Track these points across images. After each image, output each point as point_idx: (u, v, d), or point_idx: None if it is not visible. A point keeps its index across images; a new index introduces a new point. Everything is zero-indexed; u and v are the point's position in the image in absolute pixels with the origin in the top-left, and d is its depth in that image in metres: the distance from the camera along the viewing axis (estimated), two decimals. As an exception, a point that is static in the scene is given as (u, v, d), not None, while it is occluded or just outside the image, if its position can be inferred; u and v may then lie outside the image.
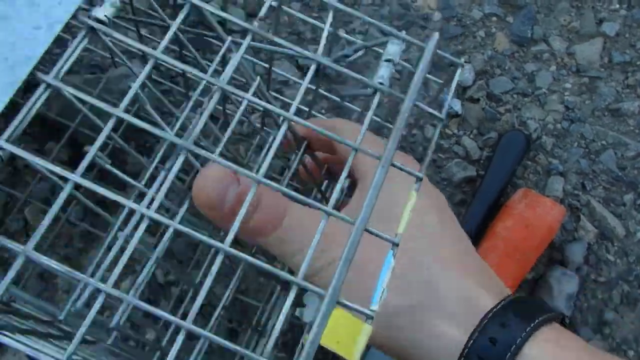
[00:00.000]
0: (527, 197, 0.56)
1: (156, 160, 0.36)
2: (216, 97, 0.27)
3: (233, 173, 0.29)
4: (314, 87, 0.42)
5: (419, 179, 0.28)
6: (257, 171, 0.25)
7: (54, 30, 0.26)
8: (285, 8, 0.38)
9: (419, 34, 0.68)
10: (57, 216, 0.24)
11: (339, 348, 0.22)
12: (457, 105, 0.64)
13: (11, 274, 0.22)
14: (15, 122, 0.25)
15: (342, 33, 0.34)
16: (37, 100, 0.25)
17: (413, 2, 0.69)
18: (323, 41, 0.31)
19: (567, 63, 0.68)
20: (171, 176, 0.25)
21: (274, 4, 0.34)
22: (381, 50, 0.31)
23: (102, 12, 0.27)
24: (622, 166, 0.63)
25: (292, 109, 0.28)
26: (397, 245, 0.25)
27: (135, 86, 0.27)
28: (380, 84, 0.29)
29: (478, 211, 0.57)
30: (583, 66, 0.67)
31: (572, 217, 0.61)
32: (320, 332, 0.22)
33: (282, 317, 0.23)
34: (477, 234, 0.57)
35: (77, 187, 0.24)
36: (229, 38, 0.33)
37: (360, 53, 0.34)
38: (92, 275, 0.24)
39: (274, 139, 0.27)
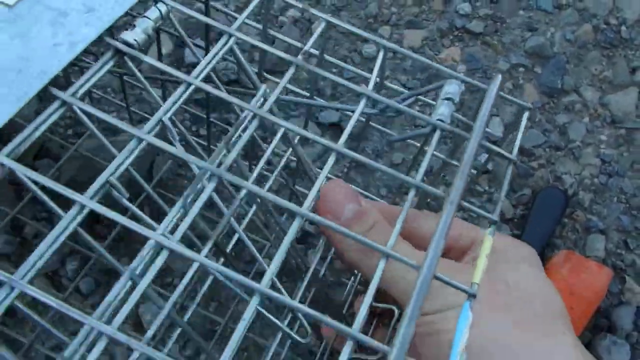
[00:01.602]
0: (571, 261, 0.52)
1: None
2: (254, 124, 0.26)
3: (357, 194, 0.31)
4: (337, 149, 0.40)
5: (494, 222, 0.26)
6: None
7: (75, 49, 0.26)
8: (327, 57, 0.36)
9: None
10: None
11: None
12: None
13: None
14: (20, 137, 0.24)
15: (388, 83, 0.32)
16: (48, 117, 0.24)
17: (436, 54, 0.66)
18: (361, 105, 0.30)
19: (601, 114, 0.64)
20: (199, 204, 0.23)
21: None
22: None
23: (132, 36, 0.27)
24: (667, 223, 0.59)
25: (321, 176, 0.26)
26: (473, 296, 0.23)
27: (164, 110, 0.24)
28: (440, 120, 0.28)
29: (554, 215, 0.53)
30: (618, 117, 0.64)
31: (616, 279, 0.57)
32: (414, 315, 0.20)
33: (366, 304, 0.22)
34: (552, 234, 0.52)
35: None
36: (264, 86, 0.31)
37: (409, 101, 0.33)
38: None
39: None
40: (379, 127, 0.45)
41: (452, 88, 0.29)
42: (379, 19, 0.68)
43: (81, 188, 0.23)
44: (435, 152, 0.29)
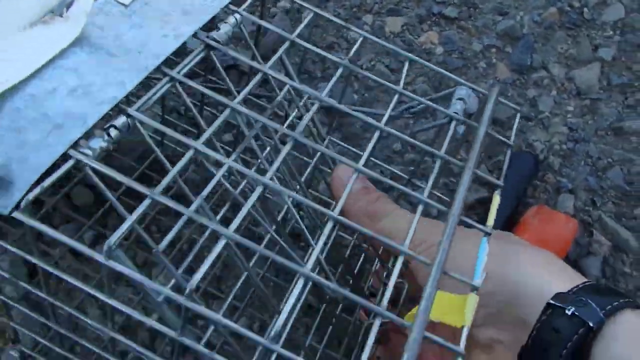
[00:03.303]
0: (541, 213, 0.58)
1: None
2: (289, 146, 0.31)
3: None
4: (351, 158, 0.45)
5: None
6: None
7: (179, 39, 0.33)
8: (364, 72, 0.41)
9: (422, 67, 0.71)
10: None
11: (448, 319, 0.25)
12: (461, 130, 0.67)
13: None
14: (143, 99, 0.30)
15: (407, 92, 0.40)
16: (161, 88, 0.30)
17: (416, 38, 0.72)
18: (394, 101, 0.36)
19: (567, 87, 0.70)
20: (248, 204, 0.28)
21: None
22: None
23: (218, 35, 0.34)
24: (629, 181, 0.65)
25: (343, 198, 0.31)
26: (489, 234, 0.29)
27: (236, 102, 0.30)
28: (455, 113, 0.37)
29: (508, 203, 0.59)
30: (583, 89, 0.70)
31: (584, 233, 0.63)
32: (430, 298, 0.24)
33: (390, 285, 0.26)
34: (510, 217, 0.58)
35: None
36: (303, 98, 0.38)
37: (422, 106, 0.41)
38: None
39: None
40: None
41: (462, 92, 0.39)
42: (363, 7, 0.74)
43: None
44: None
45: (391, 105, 0.36)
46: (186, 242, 0.54)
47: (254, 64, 0.34)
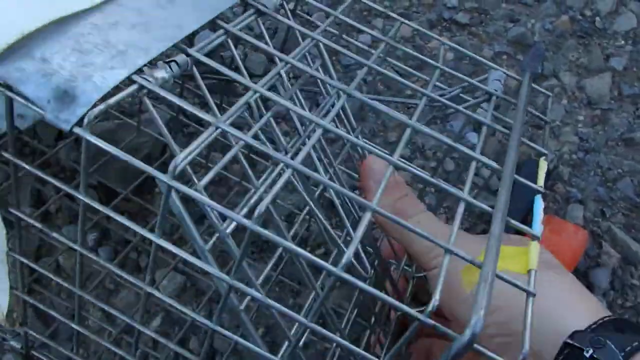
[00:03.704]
0: (551, 223, 0.57)
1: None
2: (318, 133, 0.30)
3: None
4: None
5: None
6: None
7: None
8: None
9: (432, 72, 0.70)
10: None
11: (513, 267, 0.27)
12: (474, 138, 0.66)
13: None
14: (203, 42, 0.30)
15: (447, 69, 0.41)
16: (216, 39, 0.31)
17: (426, 43, 0.72)
18: (431, 86, 0.37)
19: (578, 96, 0.70)
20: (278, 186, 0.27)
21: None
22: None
23: (268, 1, 0.35)
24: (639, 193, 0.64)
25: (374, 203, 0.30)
26: (542, 192, 0.32)
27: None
28: (495, 90, 0.38)
29: (524, 199, 0.58)
30: (594, 99, 0.69)
31: (594, 244, 0.62)
32: (497, 246, 0.25)
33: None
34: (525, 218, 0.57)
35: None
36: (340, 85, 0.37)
37: (458, 91, 0.43)
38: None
39: None
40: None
41: (497, 74, 0.42)
42: (373, 11, 0.73)
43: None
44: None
45: (430, 85, 0.37)
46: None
47: (283, 56, 0.33)
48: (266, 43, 0.35)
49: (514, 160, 0.30)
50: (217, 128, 0.26)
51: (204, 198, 0.24)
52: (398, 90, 0.68)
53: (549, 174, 0.64)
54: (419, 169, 0.32)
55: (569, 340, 0.29)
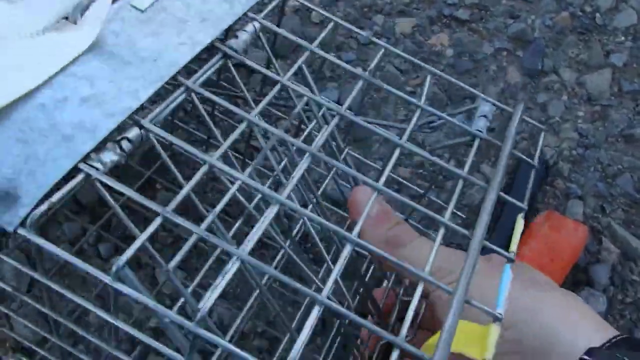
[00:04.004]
0: (551, 219, 0.57)
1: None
2: (306, 162, 0.31)
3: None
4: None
5: (511, 260, 0.30)
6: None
7: (195, 48, 0.32)
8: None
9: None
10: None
11: (469, 351, 0.24)
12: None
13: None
14: (157, 110, 0.29)
15: (427, 107, 0.38)
16: (176, 98, 0.30)
17: (426, 40, 0.72)
18: (415, 119, 0.36)
19: (578, 92, 0.70)
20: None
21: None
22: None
23: (236, 43, 0.33)
24: (639, 189, 0.64)
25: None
26: (512, 260, 0.29)
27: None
28: (479, 131, 0.35)
29: (502, 235, 0.58)
30: (594, 95, 0.69)
31: (594, 240, 0.62)
32: (452, 329, 0.23)
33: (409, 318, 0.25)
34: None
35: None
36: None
37: (442, 121, 0.41)
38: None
39: None
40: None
41: (486, 108, 0.37)
42: (373, 8, 0.73)
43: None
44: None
45: (413, 121, 0.35)
46: (198, 253, 0.53)
47: (272, 74, 0.33)
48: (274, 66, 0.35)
49: (491, 206, 0.30)
50: (163, 218, 0.25)
51: (143, 298, 0.24)
52: (398, 86, 0.67)
53: (548, 169, 0.64)
54: (401, 197, 0.31)
55: (586, 357, 0.29)
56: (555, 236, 0.56)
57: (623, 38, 0.73)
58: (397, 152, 0.32)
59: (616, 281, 0.60)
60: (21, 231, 0.23)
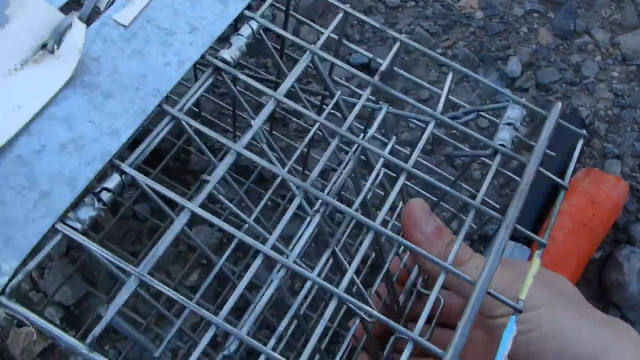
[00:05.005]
0: (591, 175, 0.56)
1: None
2: (336, 142, 0.29)
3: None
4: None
5: (543, 245, 0.29)
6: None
7: (183, 68, 0.29)
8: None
9: (463, 31, 0.69)
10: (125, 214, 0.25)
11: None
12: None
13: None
14: (140, 149, 0.27)
15: (453, 98, 0.36)
16: (162, 130, 0.28)
17: (456, 2, 0.71)
18: (442, 104, 0.32)
19: (613, 53, 0.68)
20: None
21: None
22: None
23: (229, 54, 0.30)
24: (678, 148, 0.63)
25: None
26: (520, 312, 0.26)
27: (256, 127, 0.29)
28: (502, 145, 0.30)
29: (541, 192, 0.57)
30: (629, 55, 0.68)
31: (633, 199, 0.61)
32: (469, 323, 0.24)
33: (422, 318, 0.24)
34: (541, 215, 0.56)
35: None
36: (339, 92, 0.36)
37: (472, 116, 0.36)
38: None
39: None
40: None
41: (515, 114, 0.31)
42: (399, -26, 0.72)
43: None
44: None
45: (447, 84, 0.33)
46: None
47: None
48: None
49: (516, 211, 0.28)
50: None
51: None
52: (429, 47, 0.66)
53: (585, 126, 0.62)
54: (436, 183, 0.29)
55: None
56: (596, 190, 0.55)
57: (656, -1, 0.71)
58: (431, 126, 0.31)
59: (658, 239, 0.59)
60: (2, 300, 0.23)
